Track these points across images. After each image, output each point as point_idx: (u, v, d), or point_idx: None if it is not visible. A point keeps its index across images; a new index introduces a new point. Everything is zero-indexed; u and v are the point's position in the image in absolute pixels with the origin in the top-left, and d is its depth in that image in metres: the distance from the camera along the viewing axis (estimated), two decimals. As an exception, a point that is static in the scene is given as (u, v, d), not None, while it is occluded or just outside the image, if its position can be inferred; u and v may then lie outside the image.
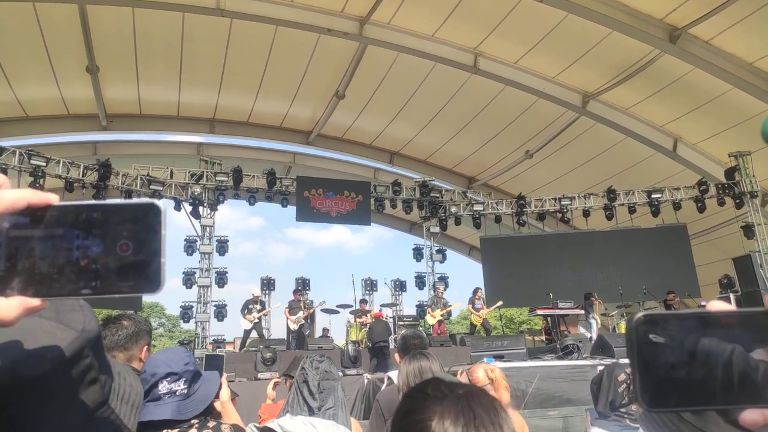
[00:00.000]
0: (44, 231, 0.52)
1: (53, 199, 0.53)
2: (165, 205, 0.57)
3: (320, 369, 2.48)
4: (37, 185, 13.25)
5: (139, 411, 0.80)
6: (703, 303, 14.59)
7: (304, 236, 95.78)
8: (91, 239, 0.53)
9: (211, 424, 1.92)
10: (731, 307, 0.55)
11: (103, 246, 0.53)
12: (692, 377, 0.51)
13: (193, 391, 1.96)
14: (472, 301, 14.68)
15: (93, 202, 0.54)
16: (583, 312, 14.15)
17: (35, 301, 0.51)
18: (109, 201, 0.52)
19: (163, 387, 1.89)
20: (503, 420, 0.82)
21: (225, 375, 2.75)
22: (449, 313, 16.64)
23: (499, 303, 15.00)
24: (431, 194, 17.89)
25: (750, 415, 0.50)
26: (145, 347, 2.31)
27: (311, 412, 2.36)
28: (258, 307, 13.59)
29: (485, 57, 15.44)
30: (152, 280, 0.53)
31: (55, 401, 0.66)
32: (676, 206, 16.63)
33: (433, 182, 18.53)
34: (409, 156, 20.86)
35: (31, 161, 13.37)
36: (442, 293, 15.45)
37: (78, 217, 0.53)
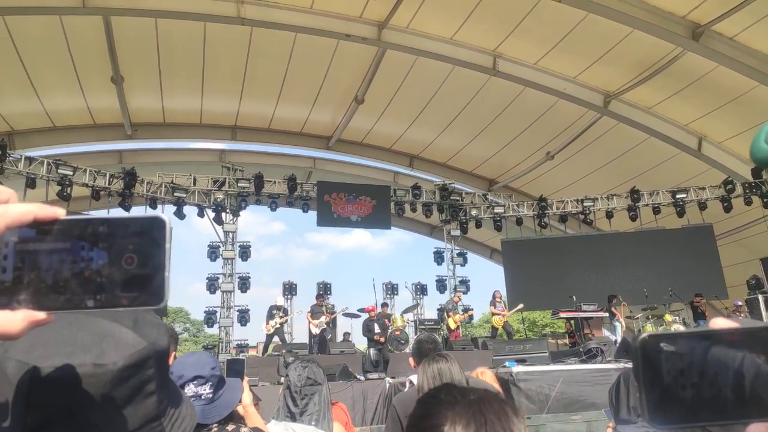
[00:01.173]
0: (50, 244, 0.53)
1: (60, 213, 0.54)
2: (170, 219, 0.57)
3: (302, 375, 2.51)
4: (65, 194, 13.57)
5: None
6: (737, 303, 14.31)
7: (325, 240, 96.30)
8: (97, 252, 0.53)
9: (230, 427, 1.95)
10: (735, 324, 0.55)
11: (108, 259, 0.53)
12: (701, 392, 0.52)
13: (217, 396, 1.97)
14: (493, 304, 14.61)
15: (99, 216, 0.56)
16: (607, 315, 13.97)
17: (41, 315, 0.52)
18: (114, 215, 0.54)
19: (190, 390, 1.90)
20: (514, 425, 0.84)
21: (247, 379, 2.79)
22: (471, 317, 16.59)
23: (520, 306, 14.90)
24: (451, 197, 17.85)
25: (756, 429, 0.50)
26: (173, 354, 2.35)
27: (293, 418, 2.39)
28: (280, 313, 13.73)
29: (504, 59, 15.37)
30: (156, 294, 0.54)
31: (113, 403, 0.69)
32: (702, 206, 16.34)
33: (453, 185, 18.48)
34: (429, 159, 20.83)
35: (59, 170, 13.68)
36: (460, 299, 15.41)
37: (84, 230, 0.54)
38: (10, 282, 0.52)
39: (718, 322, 0.56)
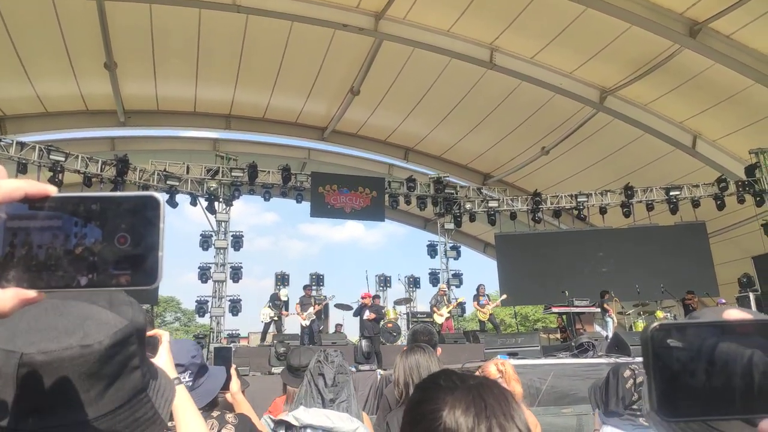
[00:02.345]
0: (42, 222, 0.51)
1: (51, 190, 0.52)
2: (163, 198, 0.56)
3: (336, 363, 2.50)
4: (57, 180, 13.46)
5: (170, 404, 0.84)
6: (721, 301, 14.39)
7: (318, 232, 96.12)
8: (89, 231, 0.52)
9: (215, 413, 1.93)
10: (748, 315, 0.54)
11: (100, 238, 0.52)
12: (710, 386, 0.50)
13: (197, 385, 1.97)
14: (476, 298, 14.69)
15: (92, 194, 0.54)
16: (599, 310, 14.03)
17: (31, 293, 0.50)
18: (107, 193, 0.52)
19: None
20: (515, 411, 0.81)
21: (234, 366, 2.76)
22: (461, 307, 16.61)
23: (503, 297, 14.99)
24: (446, 190, 17.84)
25: (766, 425, 0.49)
26: None
27: (324, 404, 2.37)
28: (280, 306, 13.74)
29: (501, 52, 15.33)
30: (149, 274, 0.53)
31: (102, 380, 0.70)
32: (695, 204, 16.40)
33: (447, 178, 18.46)
34: (424, 152, 20.81)
35: (51, 156, 13.56)
36: (445, 291, 15.44)
37: (76, 208, 0.52)
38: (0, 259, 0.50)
39: (732, 314, 0.54)
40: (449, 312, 14.61)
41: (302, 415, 2.32)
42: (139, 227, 0.53)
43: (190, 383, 1.94)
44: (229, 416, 1.96)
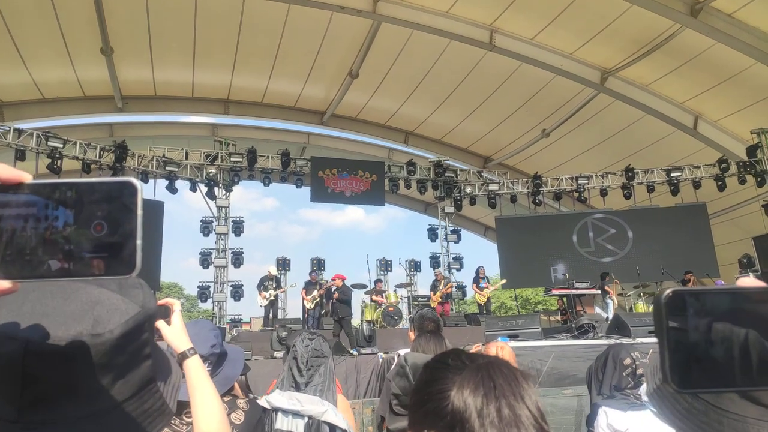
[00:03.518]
0: (15, 209, 0.50)
1: (25, 176, 0.50)
2: (141, 184, 0.54)
3: (310, 347, 2.53)
4: (55, 167, 13.41)
5: (177, 392, 0.82)
6: (719, 282, 14.41)
7: (318, 217, 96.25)
8: (64, 219, 0.50)
9: (227, 398, 1.92)
10: (762, 283, 0.52)
11: (76, 226, 0.51)
12: (718, 358, 0.48)
13: (216, 374, 1.92)
14: (476, 281, 14.80)
15: (67, 180, 0.52)
16: (599, 292, 14.07)
17: (6, 284, 0.49)
18: (83, 179, 0.50)
19: None
20: (525, 391, 0.79)
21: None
22: (462, 290, 16.67)
23: (503, 281, 15.11)
24: (446, 174, 17.78)
25: None
26: None
27: (297, 388, 2.41)
28: (273, 284, 13.72)
29: (501, 33, 15.18)
30: (127, 263, 0.51)
31: (111, 371, 0.67)
32: (696, 185, 16.36)
33: (447, 162, 18.39)
34: (424, 136, 20.71)
35: (49, 143, 13.49)
36: (442, 276, 15.53)
37: (51, 195, 0.50)
38: None
39: (746, 281, 0.52)
40: (440, 297, 14.68)
41: (274, 398, 2.38)
42: (116, 214, 0.51)
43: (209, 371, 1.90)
44: (241, 401, 1.95)
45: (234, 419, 1.90)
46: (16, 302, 0.66)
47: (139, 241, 0.52)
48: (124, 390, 0.69)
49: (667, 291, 0.50)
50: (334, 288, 12.16)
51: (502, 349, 2.99)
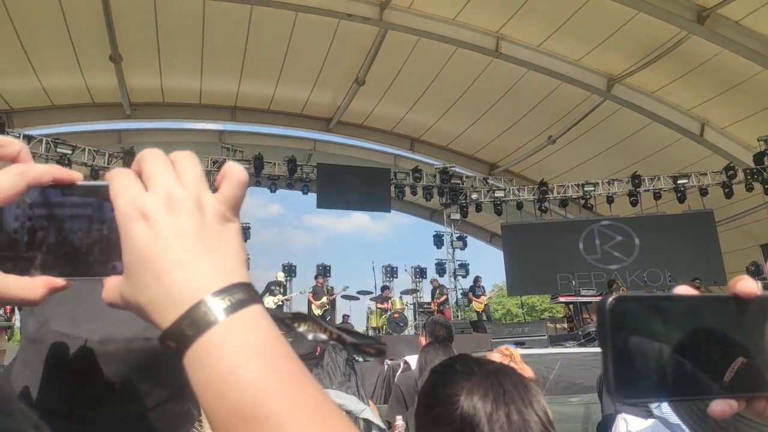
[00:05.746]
0: (69, 209, 0.50)
1: (78, 176, 0.51)
2: None
3: (343, 354, 2.59)
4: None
5: (196, 406, 0.81)
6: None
7: (324, 223, 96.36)
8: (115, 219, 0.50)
9: None
10: (696, 292, 0.52)
11: None
12: (664, 367, 0.48)
13: None
14: (473, 290, 14.95)
15: None
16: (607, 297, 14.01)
17: (60, 281, 0.49)
18: None
19: None
20: (533, 397, 0.81)
21: None
22: (464, 298, 16.73)
23: (490, 295, 15.39)
24: (452, 181, 17.79)
25: (718, 406, 0.49)
26: None
27: (333, 385, 2.45)
28: (280, 290, 13.74)
29: (507, 40, 15.21)
30: None
31: (156, 374, 0.70)
32: (703, 192, 16.29)
33: (453, 169, 18.40)
34: (430, 142, 20.73)
35: (58, 149, 13.63)
36: (438, 284, 15.64)
37: (105, 196, 0.50)
38: (26, 247, 0.49)
39: (682, 290, 0.52)
40: (437, 304, 14.78)
41: None
42: None
43: None
44: None
45: None
46: (73, 303, 0.68)
47: None
48: (163, 393, 0.72)
49: (611, 298, 0.48)
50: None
51: (507, 349, 2.97)
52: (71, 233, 0.50)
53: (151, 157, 0.49)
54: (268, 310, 0.46)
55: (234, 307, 0.43)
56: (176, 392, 0.74)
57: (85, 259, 0.50)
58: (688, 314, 0.50)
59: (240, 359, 0.42)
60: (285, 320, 0.56)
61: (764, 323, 0.51)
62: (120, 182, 0.48)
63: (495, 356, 2.98)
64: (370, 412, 2.40)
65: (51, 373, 0.66)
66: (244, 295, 0.44)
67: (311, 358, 2.96)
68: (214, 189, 0.51)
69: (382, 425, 2.44)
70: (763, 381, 0.50)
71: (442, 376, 0.87)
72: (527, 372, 2.83)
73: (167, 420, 0.73)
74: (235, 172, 0.50)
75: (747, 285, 0.51)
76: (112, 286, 0.48)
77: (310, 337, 0.57)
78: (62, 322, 0.67)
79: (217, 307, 0.43)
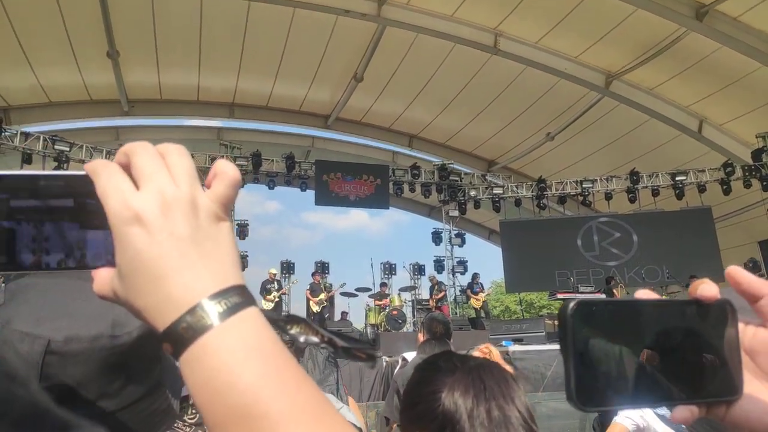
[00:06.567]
0: (43, 201, 0.49)
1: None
2: None
3: (326, 351, 2.60)
4: (62, 170, 13.50)
5: (180, 396, 0.81)
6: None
7: (322, 220, 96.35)
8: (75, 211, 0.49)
9: None
10: (657, 296, 0.51)
11: (86, 219, 0.49)
12: (624, 374, 0.47)
13: None
14: (471, 286, 15.01)
15: (76, 172, 0.50)
16: (604, 296, 14.03)
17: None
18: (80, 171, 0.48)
19: None
20: (515, 392, 0.80)
21: None
22: (463, 295, 16.80)
23: (488, 292, 15.47)
24: (450, 178, 17.78)
25: (680, 413, 0.48)
26: None
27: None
28: (276, 286, 13.74)
29: (505, 37, 15.19)
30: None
31: (126, 372, 0.68)
32: (701, 189, 16.29)
33: (452, 165, 18.39)
34: (428, 139, 20.72)
35: (55, 146, 13.60)
36: (437, 281, 15.69)
37: (85, 187, 0.49)
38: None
39: (643, 293, 0.52)
40: (435, 301, 14.85)
41: None
42: None
43: None
44: None
45: None
46: (37, 301, 0.67)
47: None
48: (136, 391, 0.70)
49: (572, 303, 0.47)
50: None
51: (487, 347, 2.98)
52: (31, 227, 0.48)
53: (141, 151, 0.48)
54: (263, 311, 0.47)
55: (230, 311, 0.44)
56: (152, 389, 0.72)
57: (45, 252, 0.48)
58: (650, 319, 0.49)
59: (237, 361, 0.42)
60: (279, 322, 0.55)
61: (725, 327, 0.51)
62: (108, 179, 0.46)
63: (475, 354, 2.99)
64: (346, 410, 2.40)
65: (17, 374, 0.63)
66: (240, 297, 0.45)
67: None
68: (206, 187, 0.50)
69: (358, 424, 2.43)
70: (724, 385, 0.49)
71: (425, 373, 0.87)
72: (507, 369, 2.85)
73: (143, 417, 0.71)
74: (227, 171, 0.50)
75: (707, 289, 0.51)
76: (103, 280, 0.47)
77: (302, 339, 0.57)
78: (25, 321, 0.65)
79: (213, 310, 0.43)
